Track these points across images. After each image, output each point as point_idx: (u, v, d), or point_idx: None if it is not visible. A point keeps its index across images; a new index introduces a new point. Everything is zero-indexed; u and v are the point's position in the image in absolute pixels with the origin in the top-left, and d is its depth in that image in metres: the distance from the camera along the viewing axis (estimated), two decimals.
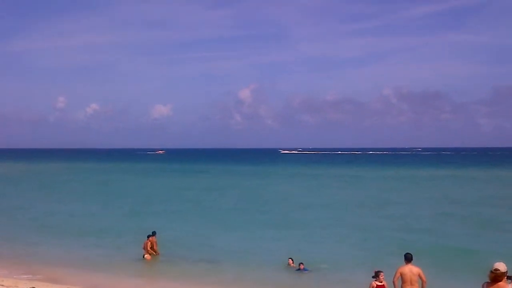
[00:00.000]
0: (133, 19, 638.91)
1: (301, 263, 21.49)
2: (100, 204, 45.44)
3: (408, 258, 14.61)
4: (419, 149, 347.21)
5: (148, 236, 23.93)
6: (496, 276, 9.92)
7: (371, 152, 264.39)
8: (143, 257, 23.50)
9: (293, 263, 21.92)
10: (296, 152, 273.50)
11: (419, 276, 14.44)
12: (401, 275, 14.47)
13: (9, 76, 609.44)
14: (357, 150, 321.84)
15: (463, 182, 69.26)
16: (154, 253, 23.83)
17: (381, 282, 15.10)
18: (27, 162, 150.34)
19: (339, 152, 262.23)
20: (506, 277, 10.25)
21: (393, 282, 14.51)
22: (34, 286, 18.22)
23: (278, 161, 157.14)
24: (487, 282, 10.13)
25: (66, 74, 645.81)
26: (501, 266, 10.00)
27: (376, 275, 15.24)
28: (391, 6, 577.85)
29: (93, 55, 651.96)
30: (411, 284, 14.42)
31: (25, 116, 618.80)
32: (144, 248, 23.74)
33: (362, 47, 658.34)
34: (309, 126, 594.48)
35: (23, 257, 24.04)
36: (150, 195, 53.36)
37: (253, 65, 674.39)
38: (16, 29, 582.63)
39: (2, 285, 18.22)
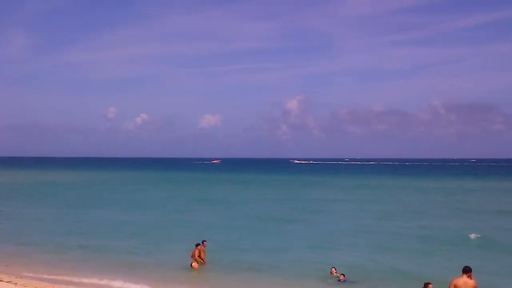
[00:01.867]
0: (181, 31, 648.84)
1: (342, 274, 21.38)
2: (159, 213, 45.87)
3: (466, 270, 14.38)
4: (473, 160, 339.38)
5: (197, 245, 24.02)
6: None
7: (407, 163, 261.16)
8: (191, 265, 23.56)
9: (336, 272, 21.77)
10: (307, 162, 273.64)
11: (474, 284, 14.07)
12: (455, 287, 14.16)
13: (62, 88, 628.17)
14: (399, 160, 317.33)
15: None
16: (202, 261, 23.86)
17: None
18: (105, 170, 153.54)
19: (346, 162, 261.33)
20: None
21: None
22: None
23: (328, 172, 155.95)
24: None
25: (116, 85, 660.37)
26: None
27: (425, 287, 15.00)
28: (438, 17, 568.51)
29: (142, 67, 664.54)
30: None
31: (77, 126, 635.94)
32: (192, 256, 23.82)
33: (408, 58, 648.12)
34: (355, 137, 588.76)
35: (74, 263, 24.46)
36: (206, 204, 53.71)
37: (298, 76, 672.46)
38: (68, 42, 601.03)
39: None
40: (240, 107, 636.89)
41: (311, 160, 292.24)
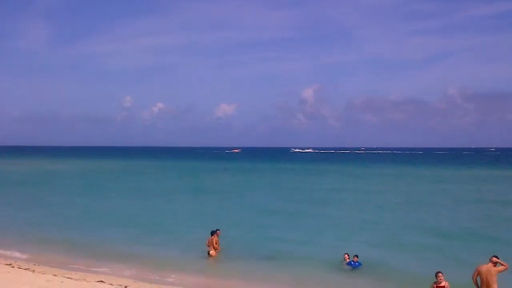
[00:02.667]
0: (197, 20, 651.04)
1: (356, 256, 21.54)
2: (179, 202, 45.76)
3: (491, 260, 14.92)
4: (492, 149, 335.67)
5: (212, 233, 23.94)
6: None
7: (420, 152, 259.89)
8: (208, 253, 23.50)
9: (348, 258, 21.71)
10: (308, 151, 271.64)
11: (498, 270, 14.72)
12: (479, 273, 14.93)
13: (79, 78, 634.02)
14: (415, 150, 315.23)
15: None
16: (218, 249, 23.80)
17: (440, 283, 14.80)
18: (120, 159, 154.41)
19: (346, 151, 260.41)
20: None
21: (472, 279, 15.11)
22: (102, 280, 18.44)
23: (343, 160, 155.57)
24: None
25: (133, 75, 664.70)
26: None
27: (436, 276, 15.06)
28: (456, 5, 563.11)
29: (158, 56, 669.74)
30: (487, 285, 14.67)
31: (94, 116, 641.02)
32: (208, 245, 23.74)
33: (426, 47, 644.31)
34: (371, 126, 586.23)
35: (91, 251, 24.46)
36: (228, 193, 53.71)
37: (316, 65, 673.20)
38: (84, 33, 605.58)
39: (71, 278, 18.56)
40: (257, 96, 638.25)
41: (310, 149, 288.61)
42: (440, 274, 15.07)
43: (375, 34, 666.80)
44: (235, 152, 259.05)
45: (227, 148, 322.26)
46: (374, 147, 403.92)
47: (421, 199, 47.01)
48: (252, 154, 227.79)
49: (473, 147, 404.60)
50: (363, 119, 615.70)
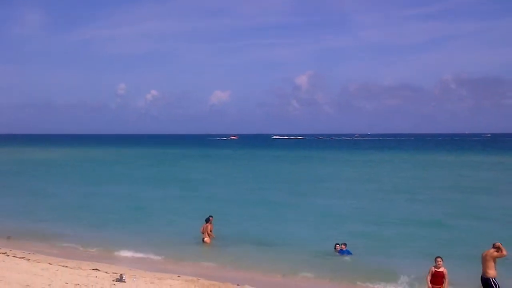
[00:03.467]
0: (192, 7, 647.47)
1: (344, 244, 21.72)
2: (178, 189, 45.77)
3: (493, 245, 14.91)
4: (489, 135, 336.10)
5: (207, 220, 24.07)
6: None
7: (412, 138, 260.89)
8: (203, 240, 23.67)
9: (339, 247, 21.80)
10: (287, 138, 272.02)
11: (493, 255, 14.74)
12: (482, 257, 15.00)
13: (73, 65, 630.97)
14: (411, 136, 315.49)
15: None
16: (212, 236, 23.97)
17: (439, 268, 14.91)
18: (114, 147, 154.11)
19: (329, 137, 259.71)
20: None
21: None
22: (97, 268, 18.55)
23: (342, 147, 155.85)
24: None
25: (127, 62, 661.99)
26: None
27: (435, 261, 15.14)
28: None
29: (153, 43, 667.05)
30: (483, 269, 14.83)
31: (88, 103, 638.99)
32: (203, 232, 23.89)
33: (421, 33, 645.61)
34: (366, 112, 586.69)
35: (85, 240, 24.55)
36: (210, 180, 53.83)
37: (311, 51, 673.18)
38: (79, 20, 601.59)
39: (66, 266, 18.65)
40: (251, 83, 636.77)
41: (292, 136, 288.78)
42: (439, 259, 15.14)
43: (370, 19, 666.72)
44: (234, 139, 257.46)
45: (222, 135, 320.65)
46: (368, 133, 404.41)
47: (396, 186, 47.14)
48: (246, 141, 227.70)
49: (467, 132, 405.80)
50: (357, 105, 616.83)
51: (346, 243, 21.82)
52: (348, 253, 21.43)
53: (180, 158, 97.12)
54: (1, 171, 65.31)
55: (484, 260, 14.86)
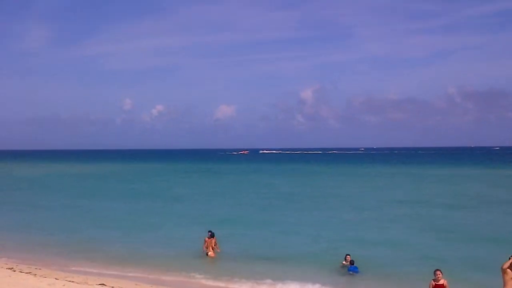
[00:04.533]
0: (196, 22, 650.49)
1: (348, 255, 21.62)
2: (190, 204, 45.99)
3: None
4: (497, 148, 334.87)
5: (212, 235, 24.12)
6: None
7: (420, 152, 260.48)
8: (207, 254, 23.71)
9: (350, 259, 21.59)
10: (275, 152, 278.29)
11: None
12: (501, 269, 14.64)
13: (78, 80, 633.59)
14: (415, 149, 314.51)
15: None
16: (217, 250, 24.02)
17: (438, 280, 14.94)
18: (118, 162, 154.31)
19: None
20: None
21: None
22: (103, 283, 18.56)
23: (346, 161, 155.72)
24: None
25: (133, 76, 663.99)
26: None
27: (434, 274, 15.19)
28: (456, 4, 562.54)
29: (158, 58, 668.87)
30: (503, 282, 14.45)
31: (93, 118, 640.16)
32: (207, 246, 23.96)
33: (426, 46, 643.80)
34: (372, 126, 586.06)
35: (91, 255, 24.60)
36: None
37: (316, 65, 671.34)
38: (85, 34, 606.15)
39: (72, 281, 18.68)
40: (256, 97, 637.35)
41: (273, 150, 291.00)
42: (438, 272, 15.20)
43: (375, 33, 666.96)
44: (244, 153, 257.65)
45: (229, 150, 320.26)
46: (374, 147, 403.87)
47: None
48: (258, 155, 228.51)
49: (473, 146, 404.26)
50: (363, 119, 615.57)
51: (354, 260, 21.48)
52: (355, 270, 21.04)
53: (195, 172, 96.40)
54: (11, 186, 65.63)
55: (502, 272, 14.56)
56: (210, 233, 24.32)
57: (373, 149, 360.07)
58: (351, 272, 20.94)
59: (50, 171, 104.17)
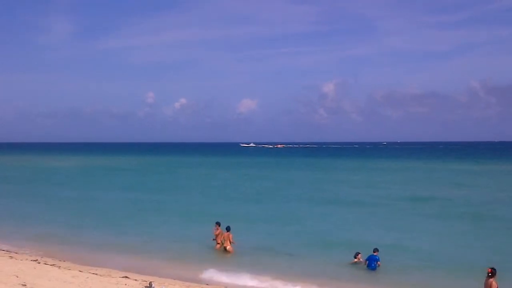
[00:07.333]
0: (219, 16, 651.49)
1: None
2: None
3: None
4: None
5: (228, 229, 24.06)
6: None
7: (441, 146, 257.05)
8: (225, 249, 23.85)
9: (361, 258, 21.37)
10: (253, 145, 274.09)
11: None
12: None
13: (101, 73, 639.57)
14: (438, 144, 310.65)
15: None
16: (234, 243, 24.02)
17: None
18: (140, 155, 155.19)
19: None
20: None
21: None
22: (126, 275, 18.68)
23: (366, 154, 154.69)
24: None
25: (156, 70, 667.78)
26: None
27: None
28: None
29: (181, 51, 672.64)
30: None
31: (116, 112, 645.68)
32: (223, 240, 24.00)
33: (448, 40, 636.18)
34: (392, 119, 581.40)
35: (114, 247, 24.84)
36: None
37: (337, 59, 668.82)
38: (108, 28, 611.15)
39: (96, 274, 18.84)
40: (279, 91, 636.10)
41: (252, 143, 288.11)
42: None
43: (398, 27, 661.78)
44: (280, 147, 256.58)
45: (259, 143, 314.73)
46: (398, 141, 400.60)
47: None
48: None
49: (496, 141, 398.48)
50: (384, 112, 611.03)
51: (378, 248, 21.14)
52: (375, 258, 20.69)
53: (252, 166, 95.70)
54: (24, 179, 66.65)
55: None
56: (217, 224, 24.49)
57: (396, 143, 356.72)
58: (370, 263, 20.64)
59: (76, 164, 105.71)
